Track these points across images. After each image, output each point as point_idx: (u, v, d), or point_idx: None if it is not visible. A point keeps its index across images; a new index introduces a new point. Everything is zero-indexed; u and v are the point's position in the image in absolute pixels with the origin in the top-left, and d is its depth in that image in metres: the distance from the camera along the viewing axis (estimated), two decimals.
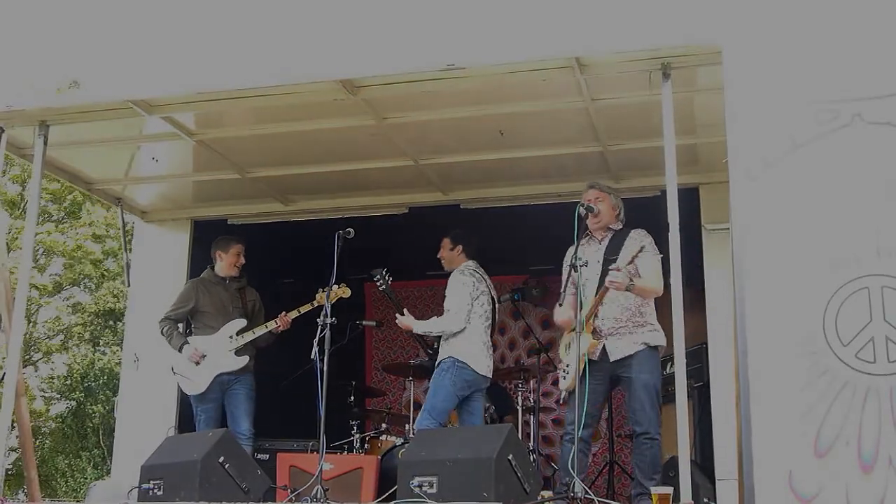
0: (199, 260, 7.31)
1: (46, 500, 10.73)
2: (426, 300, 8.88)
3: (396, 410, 8.01)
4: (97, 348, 18.05)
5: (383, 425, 7.07)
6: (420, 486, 4.39)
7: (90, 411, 16.76)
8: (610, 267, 5.11)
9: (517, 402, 7.27)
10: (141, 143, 6.42)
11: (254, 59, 5.04)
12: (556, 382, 7.60)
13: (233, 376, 6.42)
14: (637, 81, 5.03)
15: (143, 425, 6.81)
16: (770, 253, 4.19)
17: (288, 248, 6.71)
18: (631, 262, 5.00)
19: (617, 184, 6.45)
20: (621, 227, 5.47)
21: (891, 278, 4.05)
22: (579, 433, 4.82)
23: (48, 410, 18.37)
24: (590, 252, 5.33)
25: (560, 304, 5.37)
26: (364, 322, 8.01)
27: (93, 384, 16.87)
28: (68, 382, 17.75)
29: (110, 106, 5.48)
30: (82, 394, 16.99)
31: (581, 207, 5.16)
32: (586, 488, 4.56)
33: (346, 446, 6.90)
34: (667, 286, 4.75)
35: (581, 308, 4.97)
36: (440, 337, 6.02)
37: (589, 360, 5.06)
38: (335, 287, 6.22)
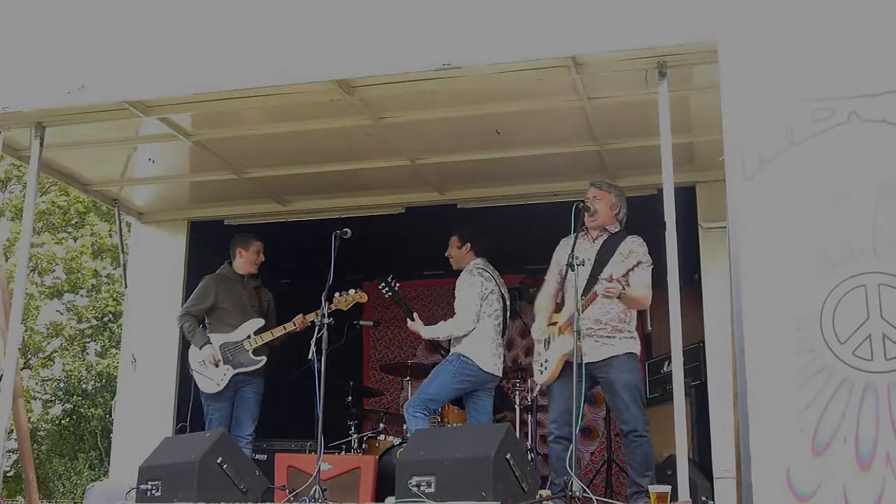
0: (197, 260, 7.32)
1: (44, 502, 10.73)
2: (424, 299, 8.89)
3: (394, 410, 8.01)
4: (90, 353, 18.04)
5: (381, 425, 7.07)
6: (418, 486, 4.39)
7: (88, 414, 16.76)
8: (602, 276, 5.11)
9: (515, 402, 7.27)
10: (137, 144, 6.41)
11: (250, 60, 4.99)
12: None
13: (247, 377, 6.41)
14: (633, 80, 5.02)
15: (140, 426, 6.81)
16: (767, 251, 4.19)
17: (285, 249, 6.71)
18: (625, 275, 5.01)
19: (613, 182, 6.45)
20: (618, 229, 5.47)
21: (888, 276, 4.05)
22: (573, 430, 4.82)
23: (46, 414, 18.37)
24: (581, 249, 5.30)
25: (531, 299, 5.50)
26: (361, 322, 8.01)
27: (90, 388, 16.86)
28: (62, 386, 17.76)
29: (106, 107, 5.47)
30: (80, 397, 16.98)
31: (578, 205, 5.17)
32: (584, 487, 4.56)
33: (343, 446, 6.90)
34: (663, 285, 4.75)
35: (578, 308, 4.97)
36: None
37: (568, 360, 5.10)
38: (352, 292, 6.26)
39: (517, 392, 7.26)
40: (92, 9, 5.71)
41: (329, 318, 5.57)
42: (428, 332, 6.08)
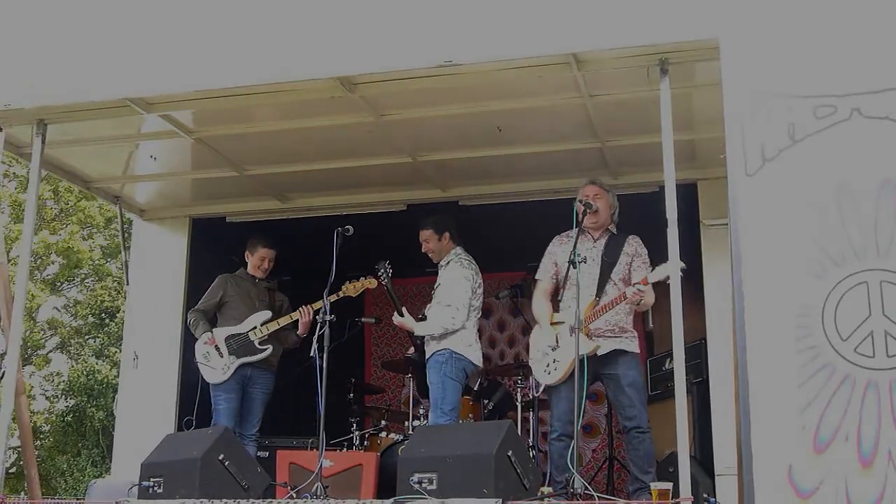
0: (198, 258, 7.33)
1: (47, 498, 10.74)
2: (426, 297, 8.85)
3: (396, 407, 8.02)
4: (90, 354, 18.04)
5: (383, 422, 7.07)
6: (420, 483, 4.39)
7: (90, 413, 16.77)
8: (634, 283, 5.15)
9: (517, 399, 7.27)
10: (139, 141, 6.42)
11: (251, 57, 4.99)
12: None
13: (255, 371, 6.40)
14: (635, 77, 5.02)
15: (142, 423, 6.81)
16: (769, 248, 4.19)
17: (286, 246, 6.72)
18: (661, 281, 5.03)
19: (615, 180, 6.46)
20: (615, 229, 5.48)
21: (890, 273, 4.05)
22: (575, 427, 4.83)
23: (50, 409, 18.38)
24: (582, 249, 5.30)
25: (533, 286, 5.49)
26: (363, 319, 8.00)
27: (93, 390, 16.86)
28: (62, 387, 17.77)
29: (108, 104, 5.47)
30: (83, 398, 16.99)
31: (579, 203, 5.16)
32: (586, 484, 4.56)
33: (345, 443, 6.90)
34: (664, 283, 4.75)
35: (578, 305, 4.97)
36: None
37: (583, 358, 5.09)
38: (362, 278, 6.24)
39: (518, 389, 7.26)
40: (94, 5, 5.71)
41: (331, 314, 5.57)
42: (422, 329, 5.97)
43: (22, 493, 13.78)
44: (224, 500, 4.67)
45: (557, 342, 5.37)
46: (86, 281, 18.55)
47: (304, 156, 6.51)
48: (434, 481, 4.38)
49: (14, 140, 5.96)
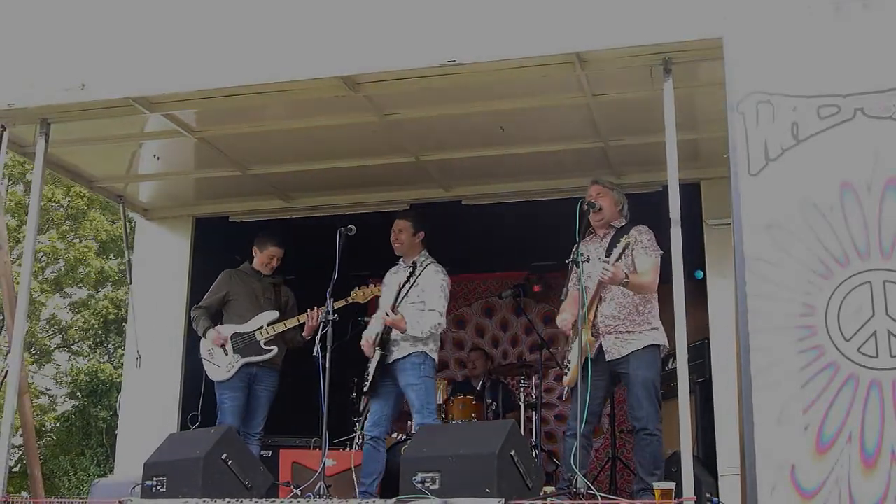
0: (201, 257, 7.33)
1: (50, 497, 10.76)
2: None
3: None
4: (99, 357, 18.08)
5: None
6: (423, 483, 4.39)
7: (94, 413, 16.79)
8: (601, 259, 5.09)
9: (520, 399, 7.28)
10: (142, 141, 6.42)
11: (255, 57, 4.99)
12: (558, 378, 7.63)
13: (260, 370, 6.39)
14: (638, 77, 5.02)
15: (145, 423, 6.82)
16: (771, 248, 4.18)
17: (289, 245, 6.72)
18: (620, 257, 4.99)
19: (618, 179, 6.44)
20: (624, 223, 5.45)
21: (893, 273, 4.05)
22: (581, 429, 4.82)
23: (53, 408, 18.42)
24: (591, 249, 5.31)
25: (563, 298, 5.37)
26: (366, 318, 7.99)
27: (98, 389, 16.88)
28: (66, 387, 17.79)
29: (112, 103, 5.47)
30: (87, 399, 17.02)
31: (583, 204, 5.15)
32: (589, 483, 4.56)
33: (348, 443, 6.91)
34: (667, 282, 4.74)
35: (583, 306, 4.96)
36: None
37: (589, 357, 5.07)
38: (371, 286, 6.20)
39: (521, 389, 7.27)
40: (98, 5, 5.72)
41: (334, 314, 5.58)
42: (412, 330, 5.71)
43: (25, 492, 13.82)
44: (227, 500, 4.68)
45: (569, 344, 5.35)
46: (92, 288, 18.58)
47: (307, 155, 6.51)
48: (437, 481, 4.38)
49: (18, 139, 5.97)
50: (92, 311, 18.11)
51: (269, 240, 6.61)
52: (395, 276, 5.99)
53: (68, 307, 18.83)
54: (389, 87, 5.31)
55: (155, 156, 6.63)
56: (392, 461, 5.77)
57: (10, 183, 17.05)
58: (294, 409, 6.91)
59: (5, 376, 5.56)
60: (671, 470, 5.02)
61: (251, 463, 5.20)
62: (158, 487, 4.94)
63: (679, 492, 4.36)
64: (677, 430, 4.41)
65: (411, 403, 5.70)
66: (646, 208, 5.54)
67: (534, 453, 6.55)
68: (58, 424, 17.92)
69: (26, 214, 16.03)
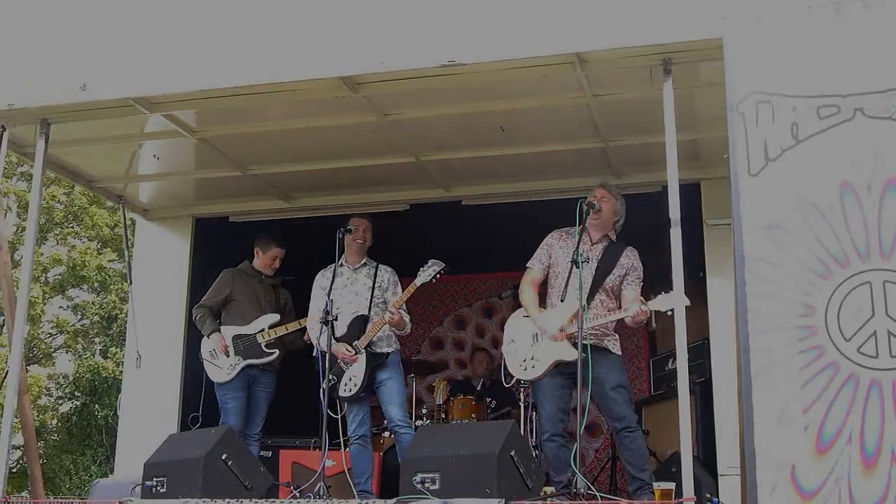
0: (201, 257, 7.33)
1: (50, 497, 10.76)
2: (428, 295, 8.88)
3: None
4: (95, 353, 18.07)
5: (385, 422, 7.07)
6: (423, 483, 4.39)
7: (95, 411, 16.79)
8: (631, 301, 5.20)
9: (519, 399, 7.27)
10: (142, 141, 6.42)
11: (255, 57, 4.99)
12: None
13: (259, 372, 6.39)
14: (638, 77, 5.03)
15: (146, 423, 6.82)
16: (771, 248, 4.18)
17: (289, 246, 6.72)
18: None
19: (618, 179, 6.45)
20: (615, 238, 5.46)
21: (893, 273, 4.05)
22: (578, 429, 4.81)
23: (54, 408, 18.42)
24: (581, 249, 5.28)
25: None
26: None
27: (99, 387, 16.88)
28: (67, 387, 17.79)
29: (111, 104, 5.47)
30: (88, 397, 17.02)
31: (583, 203, 5.15)
32: (589, 484, 4.56)
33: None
34: (667, 282, 4.75)
35: (581, 306, 4.96)
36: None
37: (559, 360, 5.12)
38: None
39: (521, 389, 7.26)
40: (98, 5, 5.72)
41: (333, 315, 5.58)
42: (407, 327, 6.03)
43: (25, 491, 13.82)
44: (227, 500, 4.68)
45: (537, 339, 5.33)
46: (94, 288, 18.56)
47: (307, 155, 6.51)
48: (437, 481, 4.39)
49: (18, 140, 5.97)
50: (98, 304, 18.12)
51: (271, 240, 6.61)
52: (343, 279, 5.95)
53: (70, 309, 18.83)
54: (389, 87, 5.31)
55: (155, 156, 6.63)
56: (392, 461, 5.77)
57: (16, 180, 17.10)
58: (294, 410, 6.91)
59: (5, 377, 5.56)
60: (671, 470, 5.03)
61: (251, 463, 5.20)
62: (158, 488, 4.94)
63: (679, 492, 4.36)
64: (677, 430, 4.41)
65: (391, 399, 5.77)
66: (646, 208, 5.54)
67: (534, 454, 6.54)
68: (59, 424, 17.93)
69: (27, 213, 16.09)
